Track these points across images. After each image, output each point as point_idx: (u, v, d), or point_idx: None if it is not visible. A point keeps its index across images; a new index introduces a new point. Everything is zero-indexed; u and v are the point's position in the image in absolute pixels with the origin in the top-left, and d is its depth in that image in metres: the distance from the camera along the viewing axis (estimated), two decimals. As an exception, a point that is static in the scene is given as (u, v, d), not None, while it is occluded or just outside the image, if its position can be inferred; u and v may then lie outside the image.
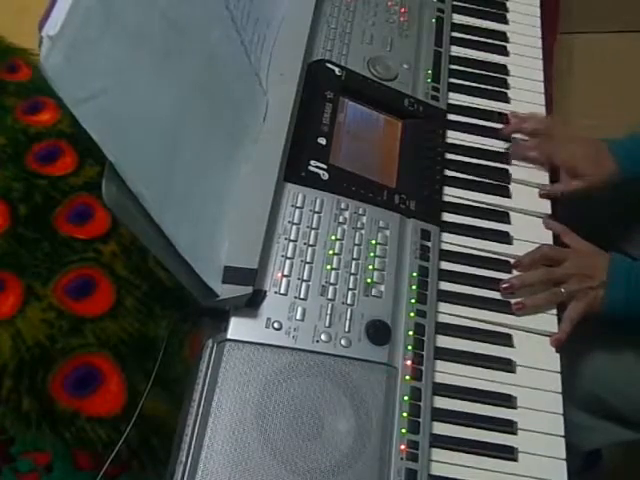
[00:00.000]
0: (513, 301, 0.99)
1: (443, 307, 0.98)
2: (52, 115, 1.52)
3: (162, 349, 1.08)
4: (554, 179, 1.13)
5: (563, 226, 1.07)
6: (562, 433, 0.91)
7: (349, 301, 0.91)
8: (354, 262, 0.94)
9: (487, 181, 1.11)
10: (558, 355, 0.97)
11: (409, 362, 0.90)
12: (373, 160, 1.06)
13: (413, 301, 0.94)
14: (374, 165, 1.05)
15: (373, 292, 0.92)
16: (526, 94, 1.22)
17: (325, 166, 0.99)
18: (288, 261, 0.92)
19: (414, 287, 0.95)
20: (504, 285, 1.00)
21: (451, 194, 1.08)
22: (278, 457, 0.80)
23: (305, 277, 0.91)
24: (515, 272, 1.02)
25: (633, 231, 1.25)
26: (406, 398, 0.88)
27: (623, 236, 1.26)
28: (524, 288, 1.00)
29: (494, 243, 1.05)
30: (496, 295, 1.00)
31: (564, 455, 0.90)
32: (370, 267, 0.94)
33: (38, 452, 1.19)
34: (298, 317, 0.88)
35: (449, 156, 1.12)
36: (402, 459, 0.84)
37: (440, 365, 0.93)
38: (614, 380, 1.12)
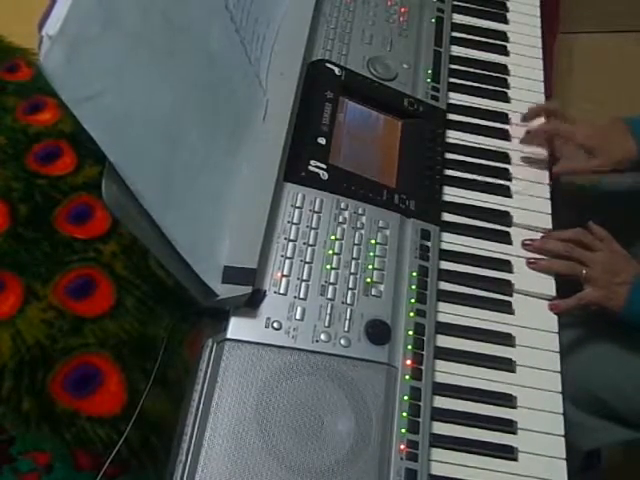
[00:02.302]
0: (529, 255, 1.02)
1: (443, 307, 0.98)
2: (52, 115, 1.52)
3: (162, 349, 1.09)
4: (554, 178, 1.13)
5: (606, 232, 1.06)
6: (562, 433, 0.91)
7: (349, 301, 0.91)
8: (354, 262, 0.94)
9: (487, 181, 1.11)
10: (558, 355, 0.97)
11: (409, 362, 0.90)
12: (373, 160, 1.05)
13: (413, 301, 0.94)
14: (374, 165, 1.05)
15: (373, 292, 0.92)
16: (526, 94, 1.22)
17: (325, 166, 0.99)
18: (288, 261, 0.91)
19: (414, 287, 0.95)
20: (526, 241, 1.02)
21: (451, 194, 1.08)
22: (277, 457, 0.80)
23: (305, 277, 0.91)
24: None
25: (633, 229, 1.25)
26: (406, 398, 0.87)
27: (624, 237, 1.25)
28: (543, 253, 1.02)
29: (494, 243, 1.05)
30: (496, 295, 1.00)
31: (564, 455, 0.90)
32: (370, 267, 0.94)
33: (38, 452, 1.19)
34: (298, 317, 0.88)
35: (449, 156, 1.11)
36: (402, 459, 0.84)
37: (440, 365, 0.93)
38: (615, 380, 1.12)
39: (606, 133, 1.10)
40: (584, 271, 1.00)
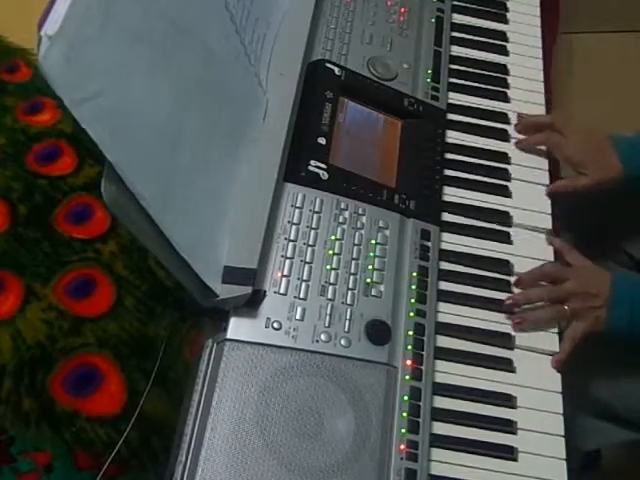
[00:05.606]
0: (514, 317, 0.98)
1: (443, 307, 0.98)
2: (52, 115, 1.52)
3: (162, 349, 1.08)
4: (554, 177, 1.13)
5: (564, 243, 1.05)
6: (562, 433, 0.91)
7: (349, 301, 0.91)
8: (354, 262, 0.94)
9: (487, 181, 1.11)
10: (558, 355, 0.97)
11: (409, 362, 0.90)
12: (373, 160, 1.05)
13: (413, 301, 0.94)
14: (374, 165, 1.05)
15: (373, 292, 0.92)
16: (526, 94, 1.22)
17: (325, 166, 0.99)
18: (288, 261, 0.91)
19: (414, 287, 0.95)
20: (508, 301, 0.98)
21: (451, 194, 1.08)
22: (278, 457, 0.80)
23: (305, 277, 0.91)
24: (516, 290, 1.00)
25: (634, 231, 1.25)
26: (406, 398, 0.88)
27: (625, 236, 1.26)
28: (527, 305, 0.98)
29: (494, 243, 1.05)
30: (496, 295, 1.00)
31: (564, 455, 0.90)
32: (370, 267, 0.94)
33: (38, 452, 1.19)
34: (298, 317, 0.88)
35: (449, 156, 1.12)
36: (402, 459, 0.84)
37: (440, 365, 0.93)
38: (616, 382, 1.12)
39: (594, 151, 1.10)
40: (566, 307, 0.98)
